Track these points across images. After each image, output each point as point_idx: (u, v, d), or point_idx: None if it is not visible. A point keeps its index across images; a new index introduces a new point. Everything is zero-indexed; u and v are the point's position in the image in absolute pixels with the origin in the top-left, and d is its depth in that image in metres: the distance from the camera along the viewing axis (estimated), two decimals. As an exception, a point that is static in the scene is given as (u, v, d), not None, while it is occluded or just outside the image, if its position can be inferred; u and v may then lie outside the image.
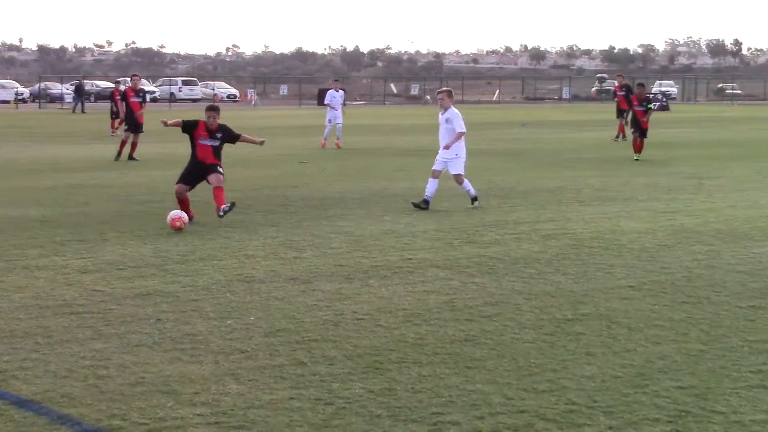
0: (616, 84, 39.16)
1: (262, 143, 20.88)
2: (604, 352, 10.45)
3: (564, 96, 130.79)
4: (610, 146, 37.65)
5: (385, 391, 9.15)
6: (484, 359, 10.17)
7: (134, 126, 34.88)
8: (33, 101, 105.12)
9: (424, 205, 21.42)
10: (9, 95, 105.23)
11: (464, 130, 21.75)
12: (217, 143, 19.31)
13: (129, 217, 20.03)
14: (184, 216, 18.35)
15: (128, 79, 41.44)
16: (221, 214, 18.59)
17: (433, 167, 21.95)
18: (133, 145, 34.51)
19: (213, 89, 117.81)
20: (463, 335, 11.10)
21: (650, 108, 36.20)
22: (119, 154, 34.29)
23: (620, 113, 42.50)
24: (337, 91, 43.94)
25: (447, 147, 21.68)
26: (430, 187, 21.63)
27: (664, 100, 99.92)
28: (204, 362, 10.07)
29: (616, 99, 42.84)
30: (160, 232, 18.07)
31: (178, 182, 19.14)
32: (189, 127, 19.15)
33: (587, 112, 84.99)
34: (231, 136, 19.60)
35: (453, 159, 21.76)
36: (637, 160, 33.95)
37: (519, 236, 17.86)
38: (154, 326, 11.48)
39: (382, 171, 30.90)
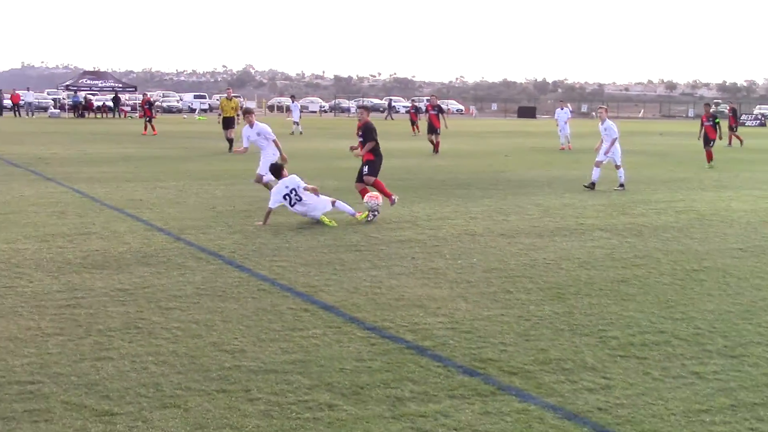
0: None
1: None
2: (721, 294, 9.97)
3: (689, 115, 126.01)
4: (722, 150, 35.66)
5: (566, 313, 8.97)
6: (635, 295, 9.84)
7: (434, 131, 34.72)
8: (330, 111, 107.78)
9: (590, 187, 20.99)
10: (316, 107, 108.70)
11: (617, 136, 21.31)
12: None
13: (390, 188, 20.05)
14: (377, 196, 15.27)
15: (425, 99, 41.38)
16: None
17: (596, 159, 21.51)
18: (436, 144, 34.33)
19: (447, 106, 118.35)
20: (620, 277, 10.76)
21: (717, 123, 30.90)
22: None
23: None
24: (562, 110, 40.71)
25: (606, 153, 21.27)
26: (595, 174, 21.24)
27: (762, 118, 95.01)
28: (443, 288, 10.06)
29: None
30: (414, 199, 18.16)
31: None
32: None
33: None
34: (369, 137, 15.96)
35: (613, 153, 21.32)
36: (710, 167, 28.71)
37: (659, 211, 17.15)
38: (410, 262, 11.53)
39: (561, 164, 30.28)
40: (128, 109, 79.49)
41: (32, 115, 75.67)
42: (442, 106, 37.64)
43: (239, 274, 10.54)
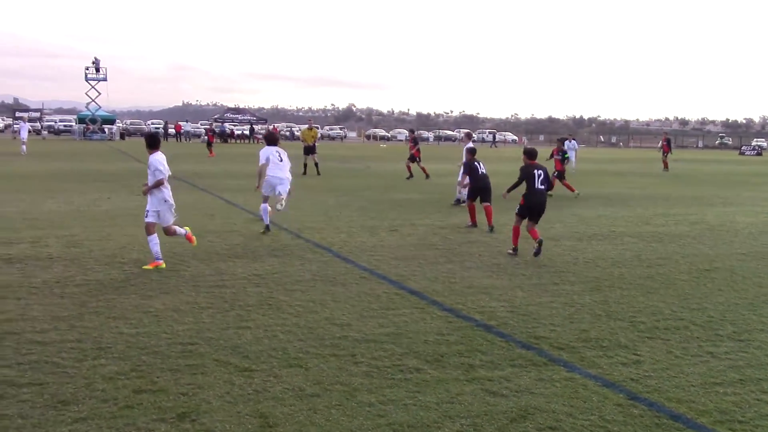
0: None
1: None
2: (729, 289, 9.57)
3: (698, 146, 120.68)
4: (672, 174, 34.05)
5: (602, 301, 8.72)
6: (658, 288, 9.51)
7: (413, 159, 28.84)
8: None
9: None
10: (402, 137, 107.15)
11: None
12: None
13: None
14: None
15: None
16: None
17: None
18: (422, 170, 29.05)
19: (503, 136, 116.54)
20: (646, 274, 10.42)
21: (566, 158, 24.32)
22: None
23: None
24: (570, 141, 36.65)
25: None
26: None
27: (759, 149, 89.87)
28: (503, 279, 9.88)
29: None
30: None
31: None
32: None
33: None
34: None
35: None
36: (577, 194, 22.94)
37: (676, 222, 16.57)
38: (477, 259, 11.36)
39: (591, 183, 29.48)
40: (260, 136, 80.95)
41: (189, 140, 77.76)
42: (417, 138, 32.20)
43: (345, 265, 10.56)
